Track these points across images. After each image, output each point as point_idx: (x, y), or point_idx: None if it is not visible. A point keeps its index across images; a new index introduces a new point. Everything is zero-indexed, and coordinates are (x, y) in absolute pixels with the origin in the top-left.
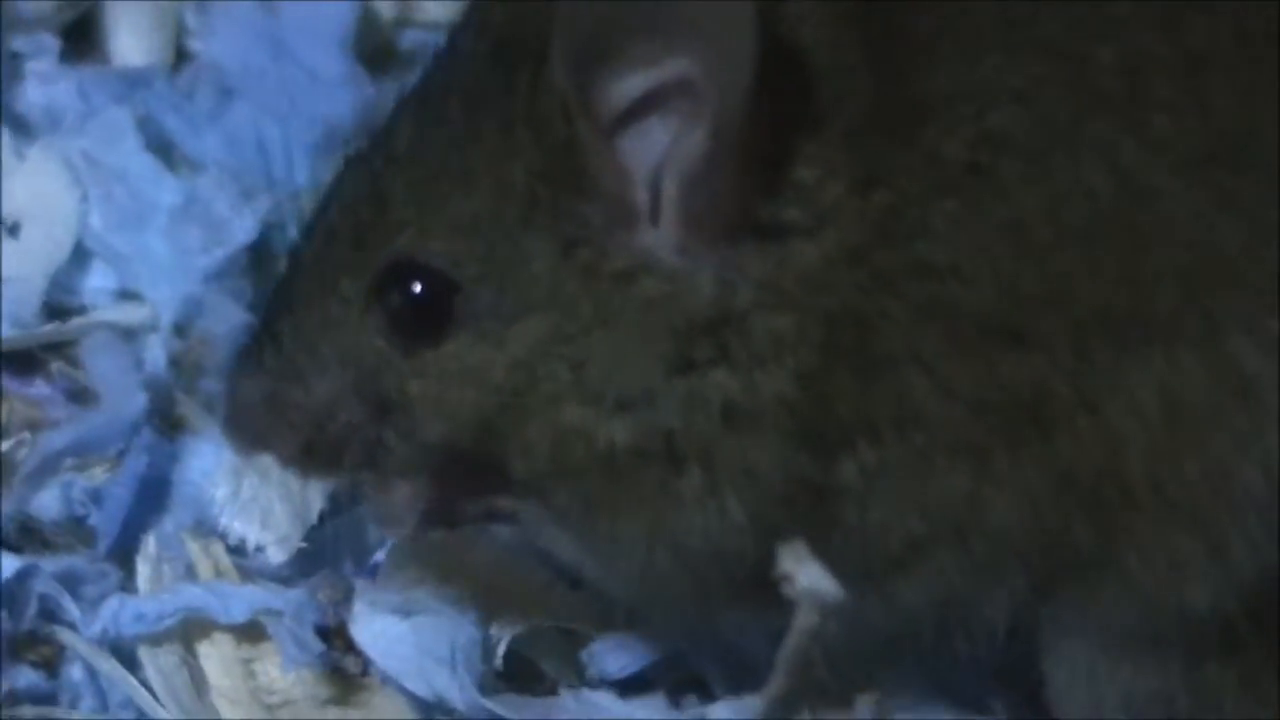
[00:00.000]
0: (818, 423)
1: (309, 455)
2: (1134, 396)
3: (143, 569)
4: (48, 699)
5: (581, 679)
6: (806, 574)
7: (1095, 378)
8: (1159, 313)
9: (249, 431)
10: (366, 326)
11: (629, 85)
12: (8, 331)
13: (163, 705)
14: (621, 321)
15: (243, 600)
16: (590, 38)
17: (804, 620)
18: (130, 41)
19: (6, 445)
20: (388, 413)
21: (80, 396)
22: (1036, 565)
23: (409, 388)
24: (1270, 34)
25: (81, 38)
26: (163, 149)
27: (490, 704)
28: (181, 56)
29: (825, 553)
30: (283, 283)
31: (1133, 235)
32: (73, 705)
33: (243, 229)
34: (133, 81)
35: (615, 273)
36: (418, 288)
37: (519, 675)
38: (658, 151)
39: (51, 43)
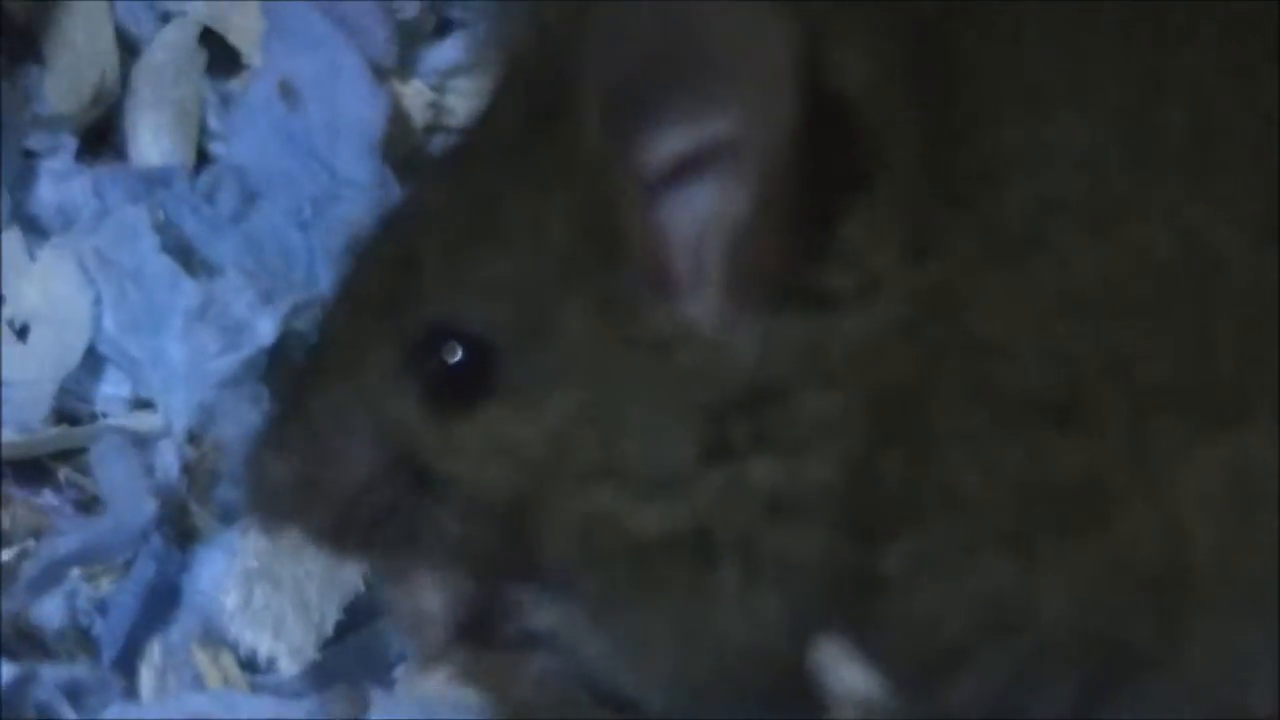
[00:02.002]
0: (862, 509)
1: (342, 534)
2: (1199, 482)
3: (147, 677)
4: None
5: None
6: (847, 672)
7: (1156, 460)
8: (1226, 392)
9: (277, 511)
10: (398, 398)
11: (669, 144)
12: (13, 438)
13: None
14: (655, 396)
15: (252, 711)
16: (625, 92)
17: None
18: (150, 142)
19: (8, 554)
20: (422, 489)
21: (89, 505)
22: (1090, 664)
23: (442, 461)
24: None
25: (99, 139)
26: (181, 251)
27: None
28: (203, 158)
29: (867, 650)
30: (309, 357)
31: (1200, 308)
32: None
33: (261, 332)
34: (151, 181)
35: (651, 342)
36: (457, 354)
37: None
38: (699, 214)
39: (69, 141)
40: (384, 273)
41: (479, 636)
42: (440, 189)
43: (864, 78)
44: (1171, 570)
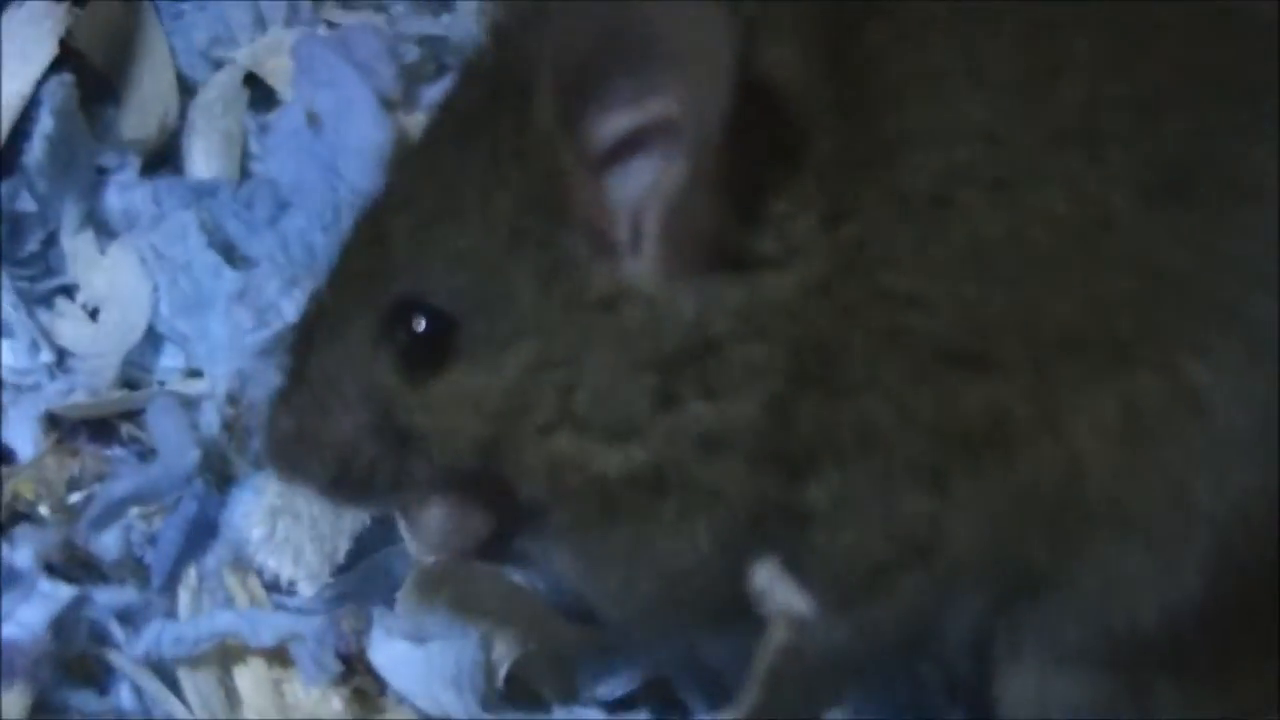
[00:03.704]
0: (785, 446)
1: (340, 486)
2: (1094, 416)
3: (184, 598)
4: (99, 714)
5: (575, 700)
6: (780, 592)
7: (1056, 399)
8: (1117, 335)
9: (286, 463)
10: (378, 363)
11: (614, 123)
12: (84, 400)
13: None
14: (604, 350)
15: (271, 626)
16: (577, 77)
17: (778, 637)
18: (202, 161)
19: (77, 497)
20: (405, 443)
21: (147, 456)
22: (995, 584)
23: (418, 418)
24: (1220, 72)
25: (160, 159)
26: (224, 248)
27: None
28: (244, 174)
29: (797, 575)
30: (306, 325)
31: (1092, 261)
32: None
33: (288, 313)
34: (200, 191)
35: (597, 301)
36: (421, 324)
37: (519, 696)
38: (640, 186)
39: (134, 160)
40: (361, 251)
41: (484, 553)
42: (408, 171)
43: (789, 65)
44: (1068, 498)
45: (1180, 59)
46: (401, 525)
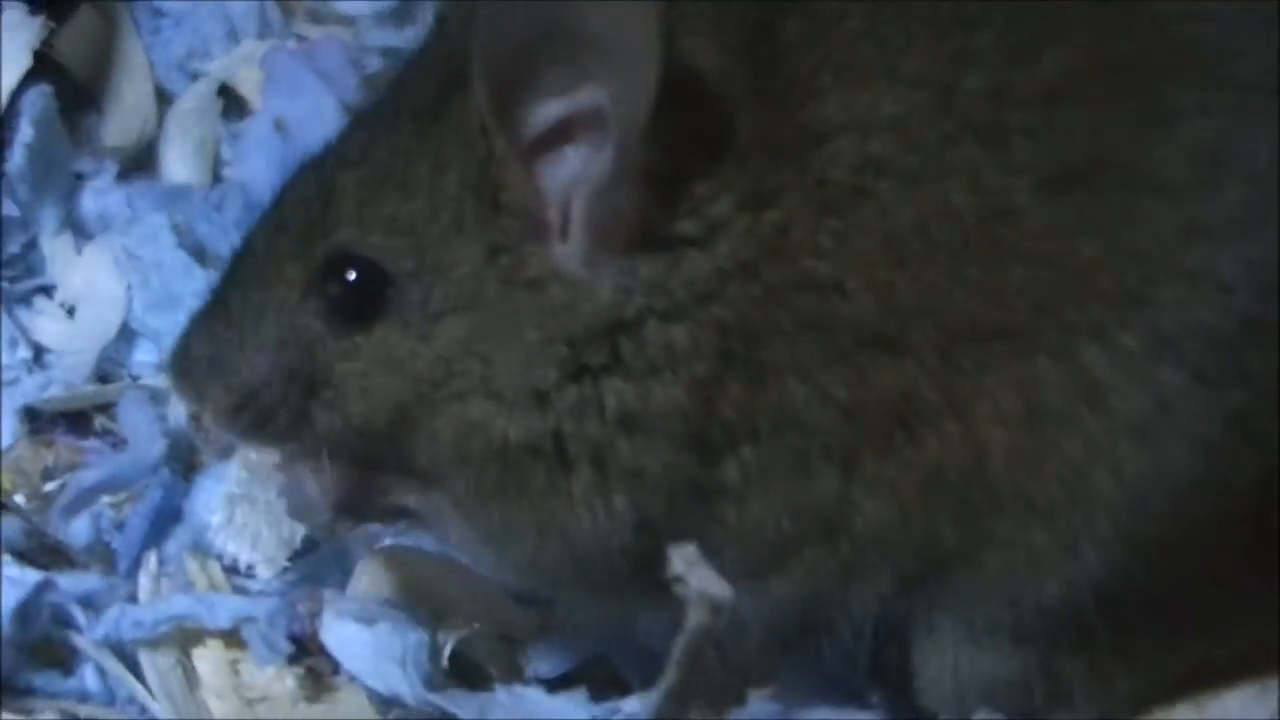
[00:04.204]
0: (705, 427)
1: (238, 416)
2: (997, 401)
3: (144, 583)
4: (63, 695)
5: (519, 678)
6: (698, 576)
7: (961, 384)
8: (1019, 323)
9: (191, 383)
10: (306, 309)
11: (545, 111)
12: (59, 394)
13: (157, 700)
14: (528, 325)
15: (226, 609)
16: (510, 67)
17: (695, 620)
18: (178, 166)
19: (51, 486)
20: (315, 390)
21: (120, 447)
22: (903, 564)
23: (338, 368)
24: (1122, 67)
25: (136, 163)
26: (196, 250)
27: (435, 699)
28: (217, 178)
29: (707, 550)
30: (236, 260)
31: (995, 251)
32: (83, 700)
33: None
34: (172, 195)
35: (528, 280)
36: (353, 276)
37: (466, 675)
38: (569, 172)
39: (110, 165)
40: (305, 200)
41: (355, 513)
42: (361, 136)
43: (710, 59)
44: (973, 480)
45: (1083, 53)
46: (277, 484)
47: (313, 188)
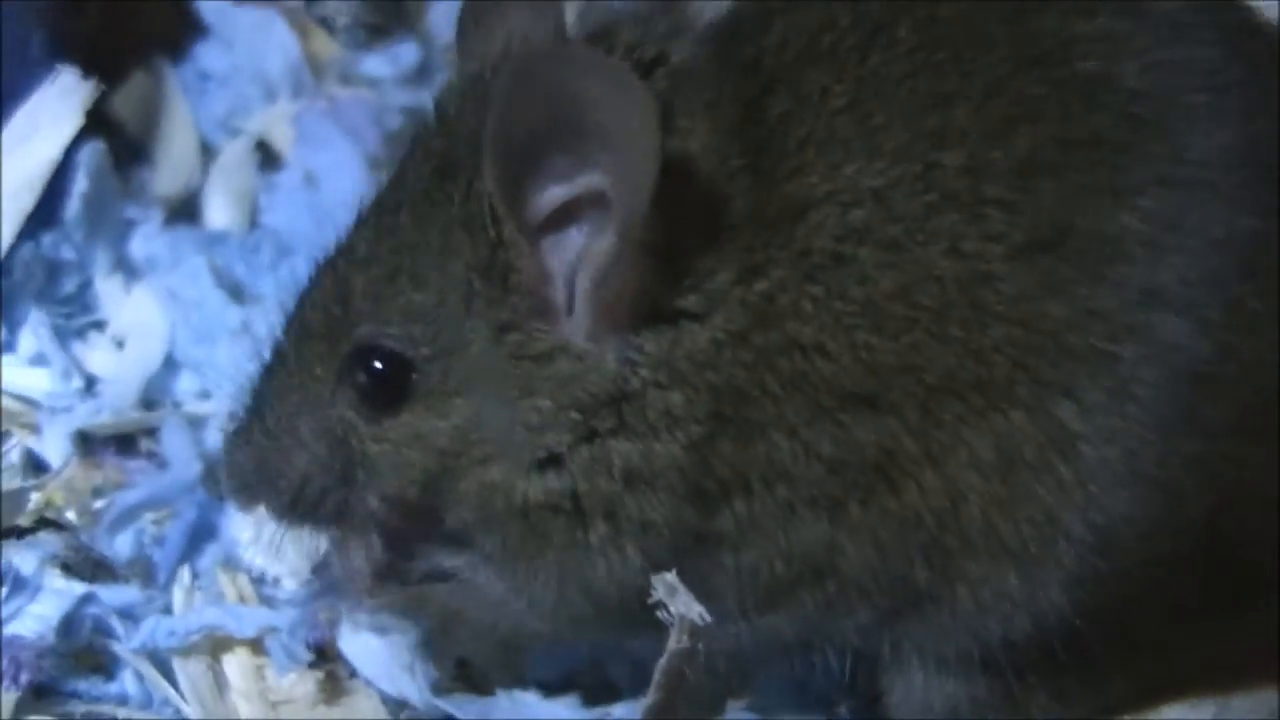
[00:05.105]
0: (701, 482)
1: (292, 511)
2: (974, 451)
3: (178, 595)
4: (104, 699)
5: (521, 684)
6: (678, 602)
7: (940, 435)
8: (996, 378)
9: (245, 493)
10: (338, 402)
11: (550, 196)
12: (108, 419)
13: (189, 703)
14: (540, 395)
15: (251, 619)
16: (517, 155)
17: (676, 642)
18: (219, 214)
19: (99, 503)
20: (353, 473)
21: (164, 468)
22: (881, 601)
23: (371, 450)
24: (1088, 141)
25: (182, 212)
26: (233, 289)
27: (440, 702)
28: (253, 224)
29: (707, 590)
30: (266, 370)
31: (974, 312)
32: (122, 704)
33: None
34: (212, 240)
35: (537, 354)
36: (379, 366)
37: (470, 680)
38: (573, 252)
39: (156, 213)
40: (325, 304)
41: (395, 577)
42: (367, 233)
43: (704, 138)
44: (948, 523)
45: (1053, 129)
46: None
47: (330, 291)
